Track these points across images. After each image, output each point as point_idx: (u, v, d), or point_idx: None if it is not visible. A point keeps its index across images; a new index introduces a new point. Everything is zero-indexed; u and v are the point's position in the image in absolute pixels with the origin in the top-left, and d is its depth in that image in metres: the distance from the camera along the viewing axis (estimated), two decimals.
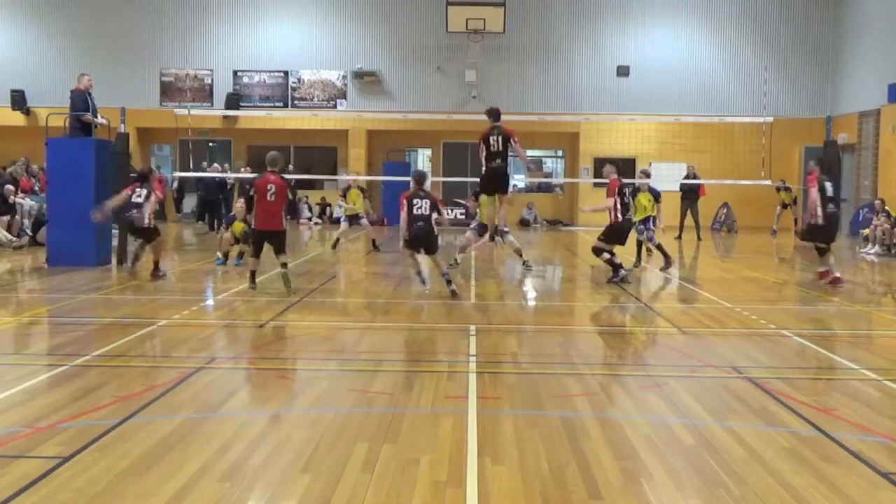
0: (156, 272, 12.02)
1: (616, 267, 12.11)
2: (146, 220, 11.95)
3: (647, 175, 14.77)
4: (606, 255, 12.25)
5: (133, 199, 11.98)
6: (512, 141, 11.73)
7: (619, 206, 12.21)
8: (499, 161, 11.84)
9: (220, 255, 13.86)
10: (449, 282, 10.59)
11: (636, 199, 13.94)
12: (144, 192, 12.07)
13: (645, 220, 14.18)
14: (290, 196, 10.94)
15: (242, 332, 8.43)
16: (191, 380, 6.21)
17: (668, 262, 13.96)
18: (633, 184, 14.51)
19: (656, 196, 14.15)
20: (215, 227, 21.71)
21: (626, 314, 10.29)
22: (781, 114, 23.73)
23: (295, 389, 6.10)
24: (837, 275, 11.86)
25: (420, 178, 11.03)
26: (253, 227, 11.04)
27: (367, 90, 26.94)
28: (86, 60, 24.83)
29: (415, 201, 10.60)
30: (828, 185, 11.91)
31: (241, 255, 13.76)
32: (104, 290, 11.07)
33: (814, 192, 11.87)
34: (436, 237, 10.97)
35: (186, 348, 7.48)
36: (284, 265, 10.84)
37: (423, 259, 11.33)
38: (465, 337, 8.01)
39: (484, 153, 11.80)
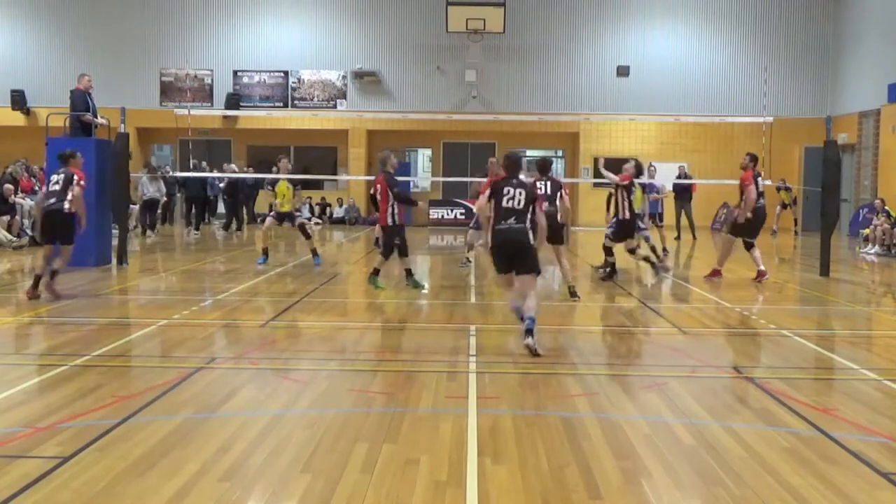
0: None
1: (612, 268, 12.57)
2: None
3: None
4: (613, 259, 12.64)
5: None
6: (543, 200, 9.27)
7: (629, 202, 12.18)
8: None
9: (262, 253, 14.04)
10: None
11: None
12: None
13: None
14: (391, 193, 11.23)
15: (242, 332, 8.44)
16: (191, 380, 6.21)
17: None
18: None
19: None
20: (199, 226, 21.96)
21: (626, 314, 10.28)
22: (781, 114, 23.72)
23: (295, 389, 6.10)
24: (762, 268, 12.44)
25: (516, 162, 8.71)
26: None
27: (367, 90, 26.94)
28: (86, 60, 24.85)
29: (506, 190, 7.53)
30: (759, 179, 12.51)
31: (265, 252, 13.76)
32: (104, 290, 11.07)
33: (753, 190, 12.28)
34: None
35: (186, 348, 7.48)
36: (407, 272, 11.45)
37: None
38: (465, 337, 8.01)
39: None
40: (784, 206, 23.69)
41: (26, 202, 17.69)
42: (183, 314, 9.09)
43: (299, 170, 27.45)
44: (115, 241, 13.96)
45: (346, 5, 26.95)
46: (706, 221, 24.52)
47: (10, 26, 27.04)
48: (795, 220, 24.43)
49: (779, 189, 22.97)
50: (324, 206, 27.45)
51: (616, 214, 12.39)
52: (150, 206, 20.93)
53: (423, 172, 28.61)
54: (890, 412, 5.70)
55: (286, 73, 27.09)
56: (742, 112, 24.04)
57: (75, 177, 10.26)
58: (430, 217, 26.29)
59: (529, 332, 7.21)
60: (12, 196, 17.12)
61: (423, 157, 29.22)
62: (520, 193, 7.43)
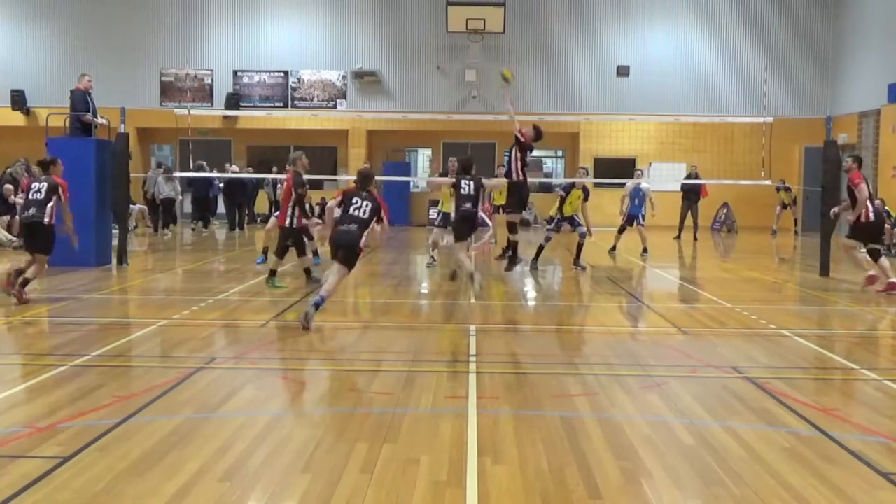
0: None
1: (514, 253, 12.27)
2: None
3: (587, 173, 14.77)
4: (516, 237, 12.29)
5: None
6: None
7: (523, 164, 12.23)
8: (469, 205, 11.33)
9: (262, 252, 14.09)
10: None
11: (569, 196, 14.06)
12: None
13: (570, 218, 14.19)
14: (295, 194, 11.17)
15: (242, 332, 8.44)
16: (191, 380, 6.21)
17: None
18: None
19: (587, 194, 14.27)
20: (206, 225, 23.07)
21: (626, 314, 10.29)
22: (781, 114, 23.73)
23: (295, 389, 6.10)
24: (894, 279, 11.44)
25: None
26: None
27: (367, 90, 26.94)
28: (86, 60, 24.85)
29: (354, 200, 8.77)
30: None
31: (264, 253, 13.88)
32: (104, 290, 11.07)
33: (864, 189, 11.59)
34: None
35: (186, 348, 7.48)
36: (272, 272, 11.35)
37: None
38: (465, 337, 8.01)
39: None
40: (784, 206, 23.70)
41: None
42: (183, 314, 9.09)
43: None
44: (115, 241, 13.96)
45: (346, 5, 26.95)
46: (706, 222, 24.52)
47: (10, 26, 27.03)
48: (795, 221, 24.45)
49: (778, 189, 22.99)
50: (324, 205, 27.43)
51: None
52: (166, 205, 21.78)
53: (423, 172, 28.61)
54: (890, 412, 5.70)
55: (286, 73, 27.09)
56: (742, 112, 24.06)
57: (59, 188, 10.08)
58: (430, 217, 26.29)
59: (318, 305, 8.34)
60: (12, 196, 17.12)
61: (423, 157, 29.21)
62: (366, 205, 8.66)
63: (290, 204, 11.13)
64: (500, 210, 15.24)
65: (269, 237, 14.42)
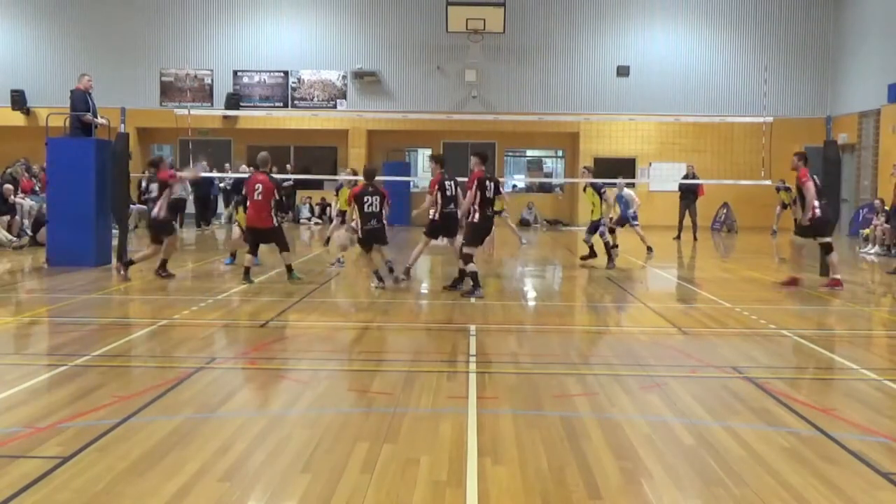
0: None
1: (476, 282, 10.74)
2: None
3: (590, 171, 14.75)
4: (473, 266, 10.82)
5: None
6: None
7: (481, 202, 10.98)
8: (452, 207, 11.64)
9: (230, 254, 14.01)
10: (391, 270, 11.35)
11: (587, 197, 14.27)
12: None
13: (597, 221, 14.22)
14: (277, 195, 11.62)
15: (242, 332, 8.44)
16: (191, 380, 6.21)
17: (610, 261, 14.16)
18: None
19: (599, 191, 14.16)
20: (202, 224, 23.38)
21: (626, 314, 10.29)
22: (781, 114, 23.72)
23: (295, 389, 6.10)
24: (839, 276, 11.76)
25: (371, 173, 11.62)
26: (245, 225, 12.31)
27: (367, 90, 26.94)
28: (86, 60, 24.86)
29: (366, 199, 10.97)
30: (816, 178, 11.98)
31: (232, 255, 13.85)
32: (104, 290, 11.06)
33: (811, 186, 11.58)
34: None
35: (186, 348, 7.48)
36: (288, 268, 11.66)
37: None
38: (465, 337, 8.01)
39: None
40: (784, 206, 23.66)
41: (26, 202, 17.70)
42: (183, 314, 9.09)
43: (299, 170, 27.52)
44: (115, 242, 13.95)
45: (346, 5, 26.95)
46: (706, 222, 24.52)
47: (10, 26, 27.04)
48: (795, 220, 24.41)
49: (778, 189, 22.98)
50: (324, 206, 27.44)
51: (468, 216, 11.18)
52: (177, 205, 21.97)
53: (423, 172, 28.59)
54: (890, 412, 5.70)
55: (286, 73, 27.09)
56: (742, 112, 24.06)
57: (165, 182, 12.00)
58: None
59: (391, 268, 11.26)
60: (12, 196, 17.12)
61: (423, 157, 29.20)
62: (376, 199, 10.96)
63: (272, 205, 11.54)
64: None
65: (243, 241, 14.41)
